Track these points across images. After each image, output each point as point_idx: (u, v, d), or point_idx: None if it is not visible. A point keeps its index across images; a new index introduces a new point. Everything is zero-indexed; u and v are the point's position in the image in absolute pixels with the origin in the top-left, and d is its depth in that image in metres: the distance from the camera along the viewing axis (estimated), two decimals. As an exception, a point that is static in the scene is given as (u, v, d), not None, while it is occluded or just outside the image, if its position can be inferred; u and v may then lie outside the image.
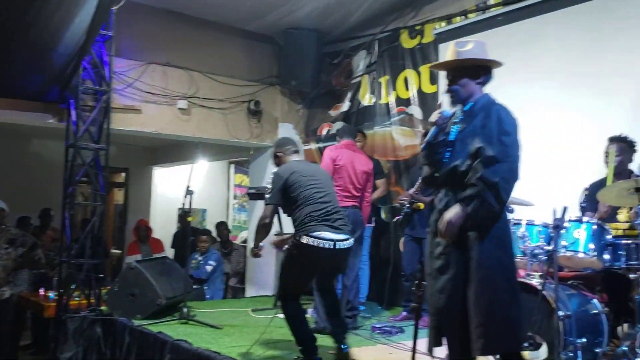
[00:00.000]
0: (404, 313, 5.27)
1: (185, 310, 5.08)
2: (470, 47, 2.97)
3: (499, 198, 2.69)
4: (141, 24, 6.51)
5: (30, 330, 6.65)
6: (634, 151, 4.05)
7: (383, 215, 6.29)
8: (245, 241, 8.22)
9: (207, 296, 7.11)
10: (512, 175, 2.74)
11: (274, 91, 7.56)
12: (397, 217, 5.41)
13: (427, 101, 6.04)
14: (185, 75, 6.83)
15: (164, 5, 6.60)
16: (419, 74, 6.14)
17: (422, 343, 3.41)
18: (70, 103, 5.75)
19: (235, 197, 10.52)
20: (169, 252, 8.41)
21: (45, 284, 6.36)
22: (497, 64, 3.04)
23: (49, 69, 5.35)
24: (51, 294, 6.06)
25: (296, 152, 4.20)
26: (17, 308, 6.05)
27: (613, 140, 4.08)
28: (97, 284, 5.64)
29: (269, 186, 3.98)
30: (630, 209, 3.94)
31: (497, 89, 5.22)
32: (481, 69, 2.98)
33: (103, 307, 5.46)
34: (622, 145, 4.04)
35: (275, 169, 4.08)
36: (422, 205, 5.08)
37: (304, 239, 3.69)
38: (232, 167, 10.54)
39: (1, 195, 6.35)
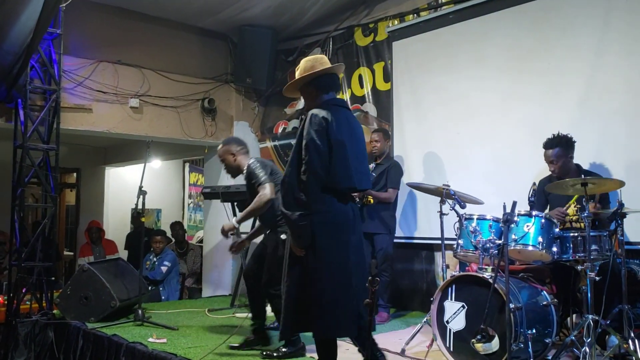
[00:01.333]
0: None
1: (140, 312, 5.00)
2: (297, 73, 3.17)
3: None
4: (91, 21, 6.36)
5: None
6: (573, 146, 4.09)
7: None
8: (201, 241, 8.12)
9: (163, 297, 7.00)
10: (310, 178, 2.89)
11: (228, 89, 7.50)
12: None
13: (382, 99, 6.10)
14: (137, 73, 6.70)
15: (114, 2, 6.44)
16: (373, 71, 6.19)
17: (379, 339, 3.46)
18: (18, 102, 5.55)
19: (190, 197, 10.38)
20: (123, 254, 8.25)
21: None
22: (316, 73, 3.11)
23: (-6, 67, 5.15)
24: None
25: (247, 152, 4.37)
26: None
27: (547, 146, 4.13)
28: (48, 287, 5.48)
29: (231, 183, 4.07)
30: (579, 202, 4.07)
31: (450, 85, 5.37)
32: (310, 85, 3.13)
33: (55, 311, 5.32)
34: (558, 150, 4.07)
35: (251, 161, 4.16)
36: (371, 200, 5.13)
37: None
38: (187, 166, 10.41)
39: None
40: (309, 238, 2.91)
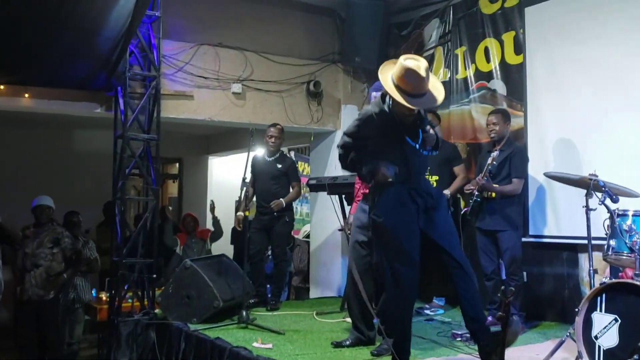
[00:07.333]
0: (489, 318, 5.06)
1: (244, 313, 5.08)
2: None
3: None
4: (190, 2, 6.53)
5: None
6: None
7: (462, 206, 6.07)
8: (308, 236, 8.18)
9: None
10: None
11: (335, 70, 7.45)
12: (465, 209, 5.26)
13: (512, 74, 5.77)
14: (239, 56, 6.82)
15: (214, -20, 6.60)
16: (501, 43, 5.88)
17: (512, 353, 3.26)
18: (118, 90, 5.83)
19: (296, 187, 10.45)
20: (229, 250, 8.48)
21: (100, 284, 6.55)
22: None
23: (94, 54, 5.43)
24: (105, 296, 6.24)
25: None
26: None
27: None
28: (150, 285, 5.72)
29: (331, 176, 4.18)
30: None
31: (596, 56, 4.97)
32: None
33: (157, 310, 5.55)
34: None
35: None
36: (493, 194, 4.98)
37: None
38: (292, 154, 10.52)
39: (49, 190, 6.53)
40: None
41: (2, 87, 5.74)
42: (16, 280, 6.10)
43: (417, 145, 3.67)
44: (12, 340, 6.25)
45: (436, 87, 3.62)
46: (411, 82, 3.48)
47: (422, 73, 3.46)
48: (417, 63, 3.49)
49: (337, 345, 4.41)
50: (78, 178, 9.05)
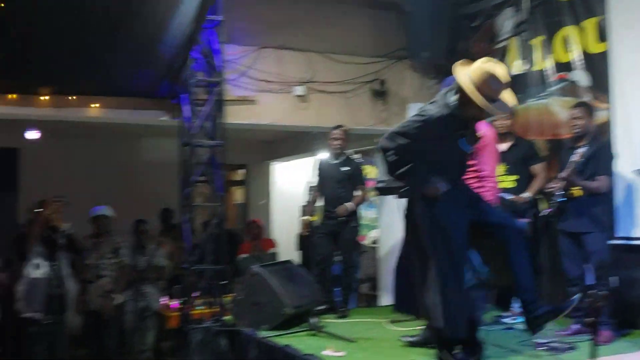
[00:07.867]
0: (575, 326, 4.82)
1: (313, 320, 5.03)
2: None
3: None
4: (251, 4, 6.52)
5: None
6: None
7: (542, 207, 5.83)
8: (375, 242, 8.06)
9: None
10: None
11: (401, 67, 7.30)
12: (547, 210, 5.02)
13: (595, 63, 5.49)
14: (302, 57, 6.78)
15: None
16: (582, 30, 5.62)
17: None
18: (182, 98, 5.87)
19: (362, 192, 10.34)
20: (295, 255, 8.45)
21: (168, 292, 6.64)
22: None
23: (157, 62, 5.52)
24: (174, 303, 6.30)
25: None
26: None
27: None
28: (220, 291, 5.73)
29: None
30: None
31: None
32: None
33: (227, 317, 5.56)
34: None
35: None
36: (578, 192, 4.74)
37: None
38: (358, 157, 10.42)
39: (115, 199, 6.64)
40: None
41: (73, 97, 5.89)
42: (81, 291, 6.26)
43: (469, 149, 3.87)
44: (86, 349, 6.41)
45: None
46: (494, 87, 3.56)
47: (505, 79, 3.58)
48: (499, 68, 3.59)
49: (409, 341, 4.54)
50: (140, 187, 9.19)
